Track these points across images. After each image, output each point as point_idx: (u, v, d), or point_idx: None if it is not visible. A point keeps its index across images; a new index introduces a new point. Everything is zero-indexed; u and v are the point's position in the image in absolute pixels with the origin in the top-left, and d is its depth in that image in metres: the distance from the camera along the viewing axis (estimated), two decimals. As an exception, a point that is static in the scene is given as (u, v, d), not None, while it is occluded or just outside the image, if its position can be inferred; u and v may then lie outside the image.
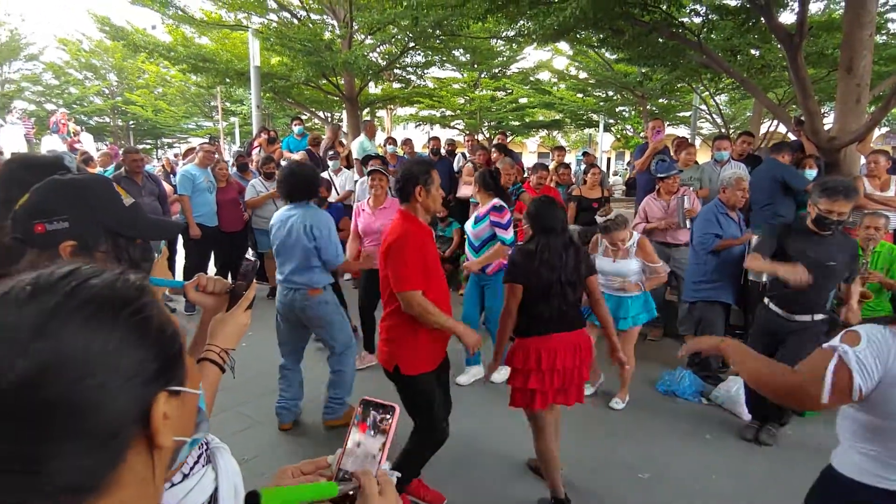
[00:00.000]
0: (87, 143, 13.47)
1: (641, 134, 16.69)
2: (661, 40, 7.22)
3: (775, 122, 12.35)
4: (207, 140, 12.20)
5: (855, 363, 1.31)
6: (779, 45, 6.28)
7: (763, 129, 13.25)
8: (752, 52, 8.57)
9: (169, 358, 0.54)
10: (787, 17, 8.10)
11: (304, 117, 11.71)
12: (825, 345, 1.41)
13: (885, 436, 1.35)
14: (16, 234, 1.02)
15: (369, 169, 4.54)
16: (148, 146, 27.75)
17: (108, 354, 0.47)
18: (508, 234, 3.85)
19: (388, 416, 0.74)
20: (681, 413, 3.71)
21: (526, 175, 6.43)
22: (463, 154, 7.63)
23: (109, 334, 0.48)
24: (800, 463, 3.13)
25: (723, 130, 14.24)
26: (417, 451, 2.55)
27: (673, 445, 3.30)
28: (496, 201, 3.91)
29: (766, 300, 3.26)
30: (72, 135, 12.91)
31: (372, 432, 0.74)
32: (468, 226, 4.25)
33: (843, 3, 5.48)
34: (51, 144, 11.66)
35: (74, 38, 22.96)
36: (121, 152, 6.32)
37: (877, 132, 13.69)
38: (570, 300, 2.56)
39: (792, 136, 6.69)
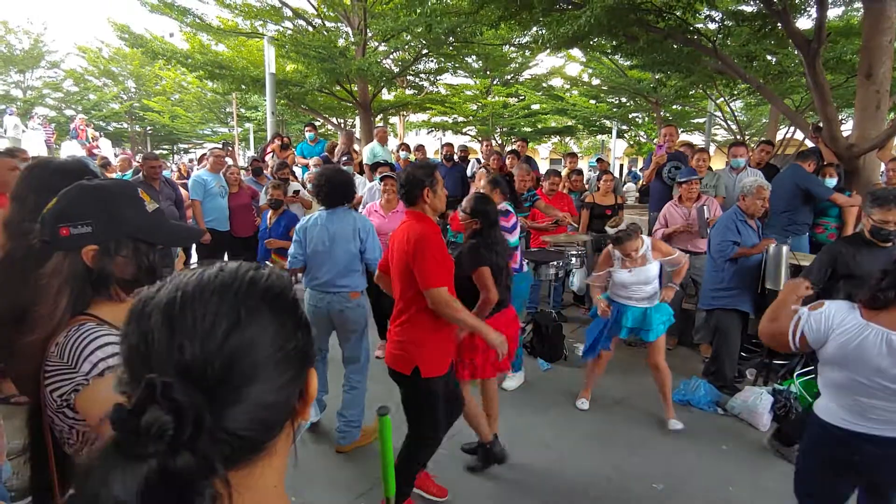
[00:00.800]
0: (106, 148, 13.73)
1: (655, 140, 16.58)
2: (675, 47, 7.17)
3: (792, 128, 12.20)
4: (221, 145, 12.35)
5: (804, 319, 1.83)
6: (796, 51, 6.22)
7: (780, 136, 13.09)
8: (769, 57, 8.48)
9: (311, 341, 0.62)
10: (805, 23, 8.03)
11: (317, 123, 11.80)
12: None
13: (844, 386, 1.79)
14: (43, 236, 1.04)
15: (381, 175, 4.61)
16: (164, 151, 28.18)
17: (286, 332, 0.57)
18: (514, 237, 3.86)
19: None
20: (696, 423, 3.65)
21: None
22: (477, 160, 7.64)
23: (284, 316, 0.57)
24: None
25: (738, 137, 14.10)
26: (415, 457, 2.56)
27: (688, 456, 3.25)
28: (503, 205, 3.92)
29: None
30: (90, 140, 13.16)
31: None
32: None
33: (861, 9, 5.41)
34: (70, 149, 11.91)
35: (94, 46, 23.47)
36: (139, 158, 6.43)
37: (896, 139, 13.39)
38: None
39: (809, 143, 6.60)
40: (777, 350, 2.90)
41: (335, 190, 3.16)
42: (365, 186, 6.29)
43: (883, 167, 5.27)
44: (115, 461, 0.45)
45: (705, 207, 4.63)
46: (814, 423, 1.94)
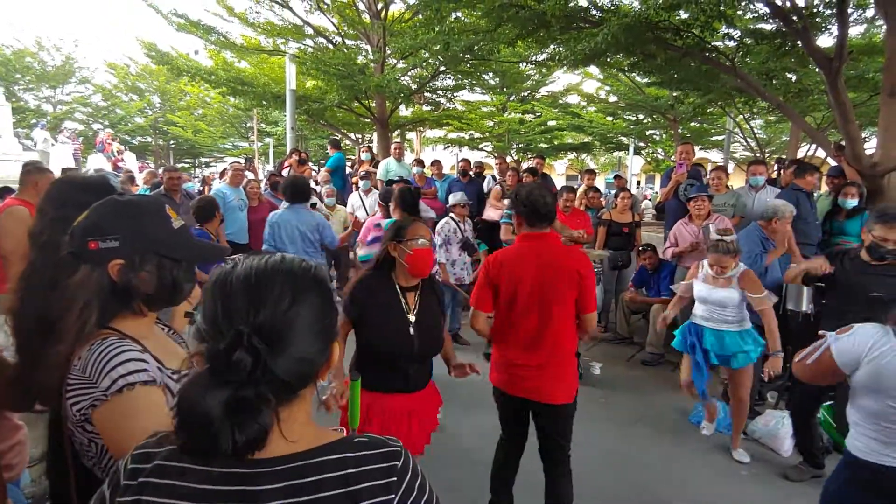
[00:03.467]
0: (130, 162, 14.08)
1: (672, 157, 16.44)
2: (693, 64, 7.15)
3: (814, 146, 12.03)
4: (243, 160, 12.59)
5: (833, 343, 1.74)
6: (817, 69, 6.16)
7: (801, 154, 12.90)
8: (789, 75, 8.40)
9: (336, 319, 0.80)
10: (826, 41, 7.96)
11: (336, 138, 11.96)
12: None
13: (880, 417, 1.66)
14: (71, 249, 1.06)
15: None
16: (186, 165, 28.81)
17: (325, 309, 0.76)
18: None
19: None
20: (715, 446, 3.57)
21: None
22: (493, 176, 7.65)
23: (324, 297, 0.76)
24: None
25: (758, 155, 13.93)
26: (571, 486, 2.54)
27: (707, 481, 3.18)
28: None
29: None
30: (115, 154, 13.52)
31: None
32: None
33: (884, 26, 5.34)
34: (96, 163, 12.24)
35: (122, 63, 24.20)
36: (161, 171, 6.60)
37: (922, 158, 13.05)
38: None
39: (831, 161, 6.49)
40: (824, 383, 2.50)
41: (298, 190, 4.25)
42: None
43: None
44: (208, 384, 0.65)
45: (711, 226, 4.55)
46: (844, 459, 1.81)
